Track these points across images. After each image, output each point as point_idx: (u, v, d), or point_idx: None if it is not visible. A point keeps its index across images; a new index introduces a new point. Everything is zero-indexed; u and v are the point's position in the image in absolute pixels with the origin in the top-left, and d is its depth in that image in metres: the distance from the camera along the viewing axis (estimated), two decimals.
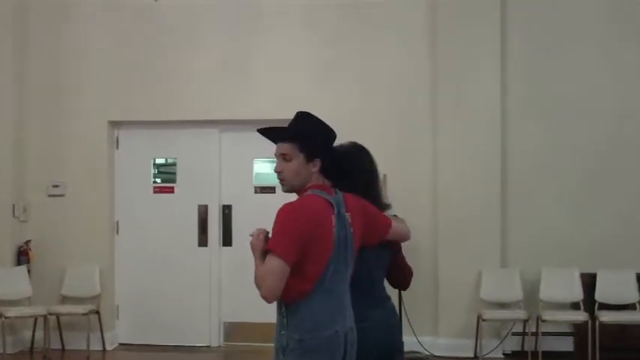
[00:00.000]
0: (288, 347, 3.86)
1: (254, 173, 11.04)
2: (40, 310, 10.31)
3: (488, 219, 10.23)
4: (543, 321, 9.75)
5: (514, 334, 10.24)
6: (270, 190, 10.67)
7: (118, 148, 11.14)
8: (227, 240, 10.96)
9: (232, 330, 10.99)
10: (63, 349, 10.68)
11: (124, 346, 10.94)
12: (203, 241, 11.00)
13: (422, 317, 10.24)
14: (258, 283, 3.79)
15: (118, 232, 11.09)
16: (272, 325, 4.05)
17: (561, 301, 10.10)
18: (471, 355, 10.06)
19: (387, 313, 4.38)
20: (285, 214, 3.84)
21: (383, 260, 4.40)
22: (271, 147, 4.17)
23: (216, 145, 11.02)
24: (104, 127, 10.92)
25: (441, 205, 10.34)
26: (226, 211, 10.99)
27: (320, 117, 4.12)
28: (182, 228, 11.00)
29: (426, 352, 10.14)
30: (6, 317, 10.02)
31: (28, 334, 10.62)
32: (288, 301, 3.86)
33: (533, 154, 10.38)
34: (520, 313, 9.97)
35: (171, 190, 11.14)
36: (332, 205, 3.96)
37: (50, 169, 10.90)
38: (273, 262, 3.74)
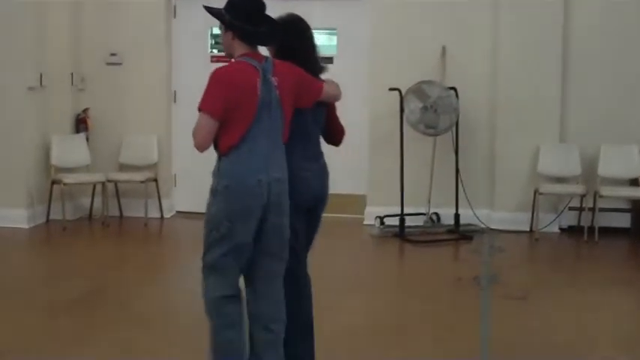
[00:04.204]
0: (218, 191, 4.53)
1: None
2: (98, 177, 10.48)
3: (548, 94, 10.05)
4: (601, 196, 9.68)
5: (571, 208, 10.19)
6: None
7: (175, 17, 11.05)
8: None
9: None
10: (121, 216, 10.88)
11: (182, 214, 11.08)
12: None
13: (478, 190, 10.24)
14: (193, 135, 4.46)
15: (175, 101, 11.10)
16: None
17: (619, 177, 10.01)
18: (527, 229, 10.07)
19: (320, 166, 4.93)
20: (213, 77, 4.57)
21: (319, 118, 4.89)
22: None
23: None
24: None
25: (500, 79, 10.14)
26: None
27: None
28: None
29: (482, 225, 10.17)
30: (65, 184, 10.19)
31: (86, 201, 10.80)
32: (221, 152, 4.50)
33: (596, 32, 10.10)
34: (578, 188, 9.91)
35: (227, 61, 11.05)
36: (258, 70, 4.51)
37: (108, 38, 10.84)
38: (201, 118, 4.46)
